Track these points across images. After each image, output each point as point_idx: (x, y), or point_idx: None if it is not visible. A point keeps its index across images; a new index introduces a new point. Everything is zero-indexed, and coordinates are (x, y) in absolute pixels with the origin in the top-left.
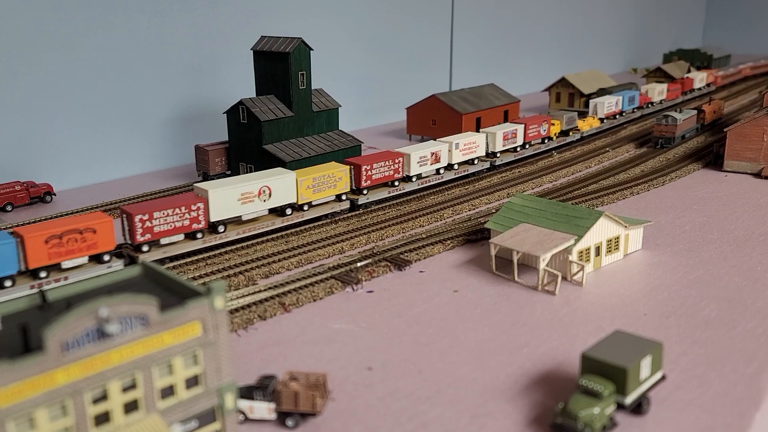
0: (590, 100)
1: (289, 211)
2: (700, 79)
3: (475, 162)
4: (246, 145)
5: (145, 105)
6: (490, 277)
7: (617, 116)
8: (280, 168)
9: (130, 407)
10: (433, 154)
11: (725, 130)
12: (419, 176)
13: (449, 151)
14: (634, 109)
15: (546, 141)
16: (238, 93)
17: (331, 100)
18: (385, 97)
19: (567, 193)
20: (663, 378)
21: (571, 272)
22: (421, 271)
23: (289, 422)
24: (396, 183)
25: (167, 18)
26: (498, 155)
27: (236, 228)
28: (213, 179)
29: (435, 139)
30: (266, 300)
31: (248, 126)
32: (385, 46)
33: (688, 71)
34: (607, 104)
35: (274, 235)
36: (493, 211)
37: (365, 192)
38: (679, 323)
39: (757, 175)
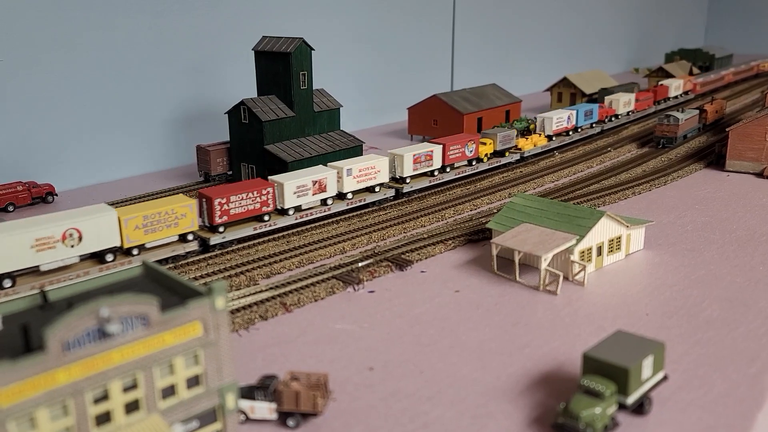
0: (537, 116)
1: (110, 257)
2: (675, 86)
3: (377, 190)
4: (247, 146)
5: (147, 105)
6: (492, 277)
7: (570, 133)
8: (102, 205)
9: (131, 407)
10: (316, 182)
11: (727, 129)
12: (298, 209)
13: (339, 178)
14: (592, 123)
15: (474, 163)
16: (240, 93)
17: (333, 101)
18: (386, 97)
19: (569, 192)
20: (665, 378)
21: (572, 272)
22: (422, 271)
23: (290, 422)
24: (266, 217)
25: (168, 18)
26: (408, 181)
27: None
28: (214, 179)
29: (326, 164)
30: (267, 300)
31: (250, 126)
32: (387, 46)
33: (690, 72)
34: (557, 120)
35: (276, 235)
36: (495, 211)
37: (221, 230)
38: (681, 323)
39: (760, 174)
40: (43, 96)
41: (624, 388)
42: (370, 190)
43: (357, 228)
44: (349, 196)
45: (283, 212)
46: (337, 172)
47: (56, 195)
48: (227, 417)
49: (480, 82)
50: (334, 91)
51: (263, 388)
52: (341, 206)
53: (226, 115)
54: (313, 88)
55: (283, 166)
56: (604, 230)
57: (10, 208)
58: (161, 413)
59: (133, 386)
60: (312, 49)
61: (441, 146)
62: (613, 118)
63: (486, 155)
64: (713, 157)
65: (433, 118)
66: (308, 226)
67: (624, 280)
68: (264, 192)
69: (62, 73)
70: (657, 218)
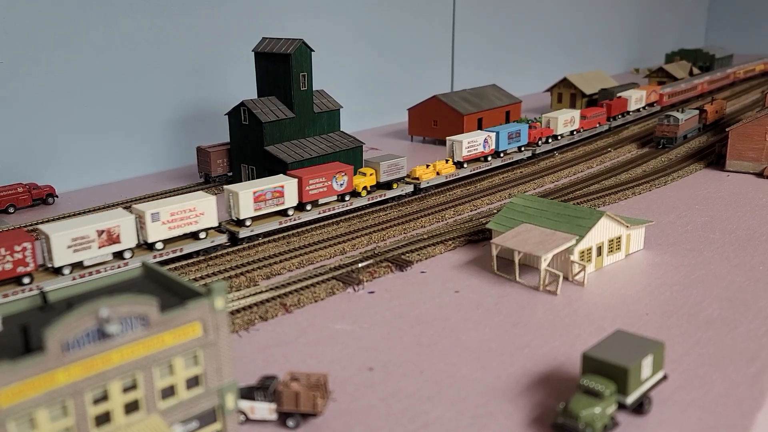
0: (448, 138)
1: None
2: (637, 98)
3: (202, 236)
4: (247, 147)
5: (147, 107)
6: (492, 277)
7: (489, 158)
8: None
9: (131, 407)
10: (102, 232)
11: (727, 129)
12: (80, 264)
13: (141, 225)
14: (521, 147)
15: (348, 198)
16: (240, 94)
17: (333, 101)
18: (386, 97)
19: (569, 193)
20: (664, 378)
21: (572, 272)
22: (422, 272)
23: (290, 423)
24: (25, 280)
25: (169, 20)
26: (249, 224)
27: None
28: (215, 180)
29: (127, 208)
30: (267, 301)
31: (250, 127)
32: (387, 47)
33: (691, 72)
34: (468, 144)
35: (276, 236)
36: (495, 211)
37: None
38: (680, 323)
39: (760, 174)
40: (43, 97)
41: (623, 387)
42: (194, 236)
43: (357, 229)
44: (159, 246)
45: (57, 272)
46: (138, 217)
47: (57, 196)
48: (227, 417)
49: (480, 83)
50: (334, 92)
51: (263, 389)
52: (142, 258)
53: (226, 116)
54: (313, 89)
55: (284, 167)
56: (604, 230)
57: (11, 210)
58: (161, 413)
59: (133, 387)
60: (312, 50)
61: (296, 180)
62: (550, 140)
63: (366, 188)
64: (713, 157)
65: (433, 119)
66: (309, 227)
67: (624, 280)
68: (20, 249)
69: (62, 75)
70: (657, 218)
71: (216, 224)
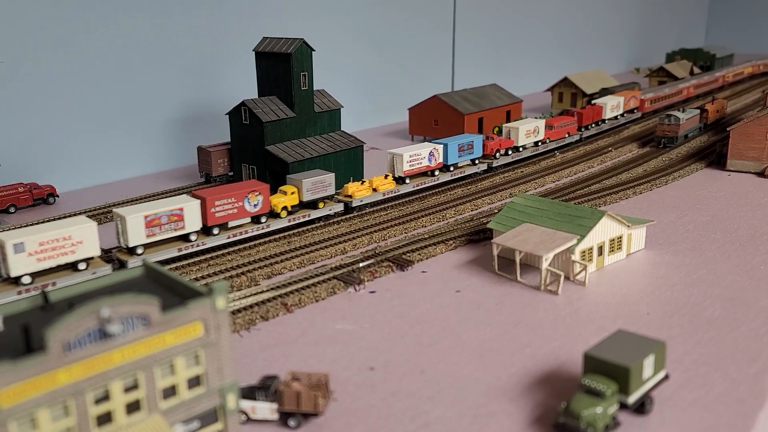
0: (388, 151)
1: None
2: (613, 105)
3: (82, 267)
4: (248, 146)
5: (148, 106)
6: (493, 277)
7: (436, 172)
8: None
9: (132, 407)
10: None
11: (728, 129)
12: None
13: (3, 257)
14: (475, 160)
15: (265, 220)
16: (241, 94)
17: (333, 101)
18: (387, 97)
19: (569, 192)
20: (666, 377)
21: (573, 272)
22: (423, 272)
23: (292, 422)
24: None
25: (169, 20)
26: (140, 252)
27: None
28: (215, 180)
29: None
30: (268, 300)
31: (250, 127)
32: (388, 47)
33: (692, 71)
34: (411, 157)
35: (277, 236)
36: (496, 211)
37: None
38: (682, 323)
39: (761, 174)
40: (44, 97)
41: (625, 387)
42: (73, 267)
43: (358, 228)
44: (26, 280)
45: None
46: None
47: (57, 196)
48: (228, 417)
49: (481, 83)
50: (335, 92)
51: (264, 389)
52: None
53: (227, 116)
54: (314, 89)
55: (284, 167)
56: (605, 230)
57: (12, 210)
58: (162, 413)
59: (134, 386)
60: (312, 49)
61: (198, 203)
62: (510, 152)
63: (286, 208)
64: (714, 156)
65: (434, 119)
66: (308, 227)
67: (625, 279)
68: None
69: (63, 74)
70: (658, 218)
71: (98, 253)
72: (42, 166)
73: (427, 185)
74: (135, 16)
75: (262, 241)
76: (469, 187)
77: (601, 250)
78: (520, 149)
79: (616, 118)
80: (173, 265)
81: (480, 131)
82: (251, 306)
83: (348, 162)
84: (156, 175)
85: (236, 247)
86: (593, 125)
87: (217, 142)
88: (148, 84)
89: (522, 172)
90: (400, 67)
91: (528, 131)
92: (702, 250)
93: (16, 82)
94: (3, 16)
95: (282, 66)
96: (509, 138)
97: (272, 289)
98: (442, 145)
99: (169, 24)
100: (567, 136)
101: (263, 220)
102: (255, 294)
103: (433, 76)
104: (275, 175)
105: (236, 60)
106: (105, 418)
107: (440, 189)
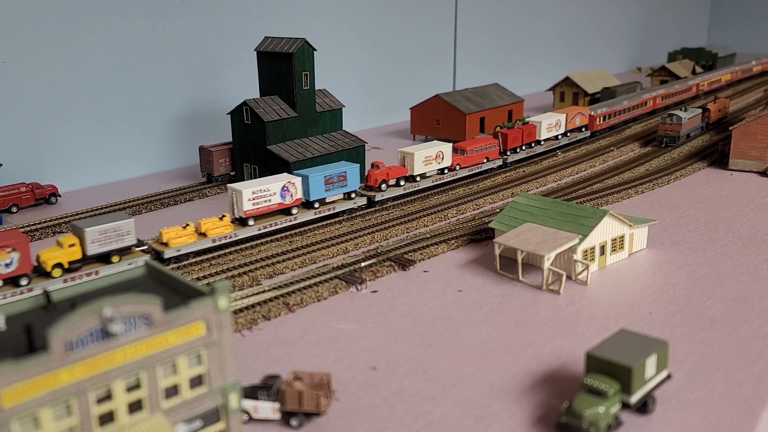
0: (228, 186)
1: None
2: (551, 124)
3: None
4: (250, 146)
5: (150, 106)
6: (495, 276)
7: (294, 210)
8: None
9: (135, 407)
10: None
11: (731, 128)
12: None
13: None
14: (350, 193)
15: (25, 283)
16: (242, 94)
17: (335, 101)
18: (389, 97)
19: (571, 192)
20: (669, 377)
21: (575, 271)
22: (425, 271)
23: (294, 422)
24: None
25: (171, 19)
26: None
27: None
28: (217, 180)
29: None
30: (270, 300)
31: (252, 126)
32: (389, 46)
33: (693, 71)
34: (255, 194)
35: (279, 236)
36: (498, 210)
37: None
38: (684, 322)
39: (763, 173)
40: (46, 97)
41: (627, 387)
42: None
43: (360, 228)
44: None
45: None
46: None
47: (59, 196)
48: (230, 417)
49: (482, 82)
50: (337, 92)
51: (266, 388)
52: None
53: (229, 115)
54: (316, 89)
55: (286, 167)
56: (607, 229)
57: (14, 209)
58: (164, 413)
59: (137, 386)
60: (314, 49)
61: None
62: (403, 181)
63: (61, 265)
64: (716, 155)
65: (435, 118)
66: (311, 226)
67: (627, 279)
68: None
69: (65, 74)
70: (660, 217)
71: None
72: (44, 166)
73: (278, 227)
74: (137, 16)
75: (262, 241)
76: (470, 187)
77: (603, 249)
78: (417, 179)
79: (556, 138)
80: (174, 265)
81: (482, 131)
82: (253, 305)
83: (350, 161)
84: (158, 175)
85: (237, 247)
86: (523, 148)
87: (219, 141)
88: (150, 84)
89: (524, 171)
90: (402, 66)
91: (428, 157)
92: (704, 250)
93: (18, 82)
94: (5, 16)
95: (284, 66)
96: (404, 165)
97: (274, 288)
98: (301, 178)
99: (171, 24)
100: (485, 161)
101: (23, 282)
102: (257, 293)
103: (434, 75)
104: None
105: (238, 60)
106: (107, 418)
107: (441, 189)
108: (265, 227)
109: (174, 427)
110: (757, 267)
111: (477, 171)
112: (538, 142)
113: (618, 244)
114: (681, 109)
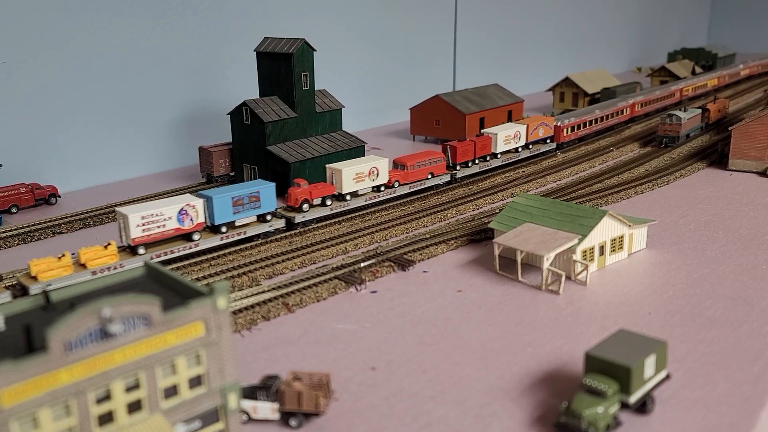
0: (116, 209)
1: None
2: (508, 136)
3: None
4: (250, 146)
5: (149, 107)
6: (494, 276)
7: (196, 236)
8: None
9: (134, 407)
10: None
11: (730, 128)
12: None
13: None
14: (266, 215)
15: None
16: (242, 94)
17: (335, 101)
18: (388, 97)
19: (571, 192)
20: (668, 377)
21: (575, 272)
22: (424, 271)
23: (293, 422)
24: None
25: (171, 20)
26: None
27: None
28: (217, 180)
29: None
30: (270, 300)
31: (252, 127)
32: (389, 47)
33: (693, 71)
34: (145, 219)
35: (278, 236)
36: (497, 210)
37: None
38: (684, 322)
39: (762, 173)
40: (46, 98)
41: (626, 387)
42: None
43: (359, 228)
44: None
45: None
46: None
47: (59, 196)
48: (230, 417)
49: (482, 82)
50: (336, 92)
51: (266, 388)
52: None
53: (229, 116)
54: (315, 89)
55: (286, 167)
56: (606, 230)
57: (14, 210)
58: (164, 413)
59: (136, 386)
60: (314, 49)
61: None
62: (330, 201)
63: None
64: (716, 156)
65: (435, 119)
66: (311, 227)
67: (626, 279)
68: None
69: (65, 75)
70: (660, 217)
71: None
72: (44, 167)
73: (174, 255)
74: (136, 16)
75: (263, 241)
76: (470, 187)
77: (602, 249)
78: (347, 197)
79: (516, 150)
80: (174, 265)
81: (481, 132)
82: (252, 306)
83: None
84: (157, 175)
85: (237, 247)
86: (477, 161)
87: (219, 142)
88: (150, 84)
89: (523, 171)
90: (402, 66)
91: (359, 174)
92: (704, 250)
93: (18, 82)
94: (5, 17)
95: (283, 66)
96: (331, 183)
97: (273, 289)
98: (202, 200)
99: (171, 24)
100: (429, 177)
101: None
102: (256, 294)
103: (434, 75)
104: (277, 175)
105: (237, 60)
106: (106, 418)
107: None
108: (158, 255)
109: (173, 428)
110: (756, 267)
111: (420, 188)
112: (495, 156)
113: (617, 244)
114: (681, 110)
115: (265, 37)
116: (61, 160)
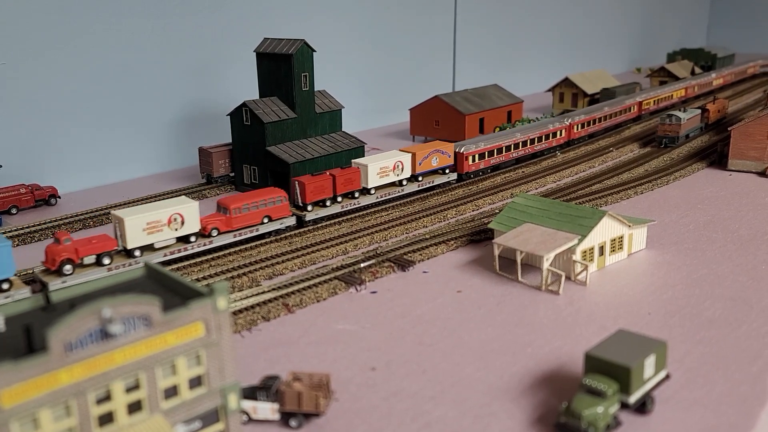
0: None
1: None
2: (385, 169)
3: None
4: (249, 147)
5: (149, 107)
6: (494, 277)
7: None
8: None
9: (134, 407)
10: None
11: (729, 129)
12: None
13: None
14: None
15: None
16: (242, 95)
17: (334, 102)
18: (388, 97)
19: (571, 192)
20: (667, 377)
21: (574, 272)
22: (424, 272)
23: (293, 422)
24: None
25: (171, 21)
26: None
27: None
28: (216, 181)
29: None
30: (270, 301)
31: (252, 128)
32: (389, 47)
33: (693, 72)
34: None
35: (277, 236)
36: (497, 211)
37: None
38: (683, 322)
39: (762, 173)
40: (45, 98)
41: (626, 387)
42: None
43: (359, 229)
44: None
45: None
46: None
47: (59, 197)
48: (230, 417)
49: (482, 83)
50: (336, 93)
51: (266, 389)
52: None
53: (228, 116)
54: (315, 90)
55: (285, 168)
56: (606, 230)
57: (14, 211)
58: (164, 413)
59: (136, 387)
60: (313, 50)
61: None
62: (107, 259)
63: None
64: (715, 156)
65: (435, 119)
66: (311, 227)
67: (626, 279)
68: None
69: (65, 76)
70: (659, 218)
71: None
72: (43, 168)
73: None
74: (136, 17)
75: (263, 241)
76: (470, 188)
77: (602, 250)
78: (137, 253)
79: (401, 183)
80: (174, 266)
81: (481, 131)
82: (252, 306)
83: (349, 162)
84: (157, 176)
85: (237, 248)
86: (339, 199)
87: (219, 142)
88: (150, 85)
89: (523, 172)
90: (401, 67)
91: (151, 223)
92: (703, 250)
93: (18, 83)
94: (5, 17)
95: (283, 67)
96: (114, 236)
97: (273, 289)
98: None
99: (171, 25)
100: (265, 222)
101: None
102: (256, 294)
103: (434, 76)
104: (276, 176)
105: (237, 61)
106: (106, 418)
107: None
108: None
109: (173, 428)
110: (755, 267)
111: (250, 236)
112: (367, 191)
113: (617, 244)
114: (680, 110)
115: (264, 38)
116: (61, 161)
